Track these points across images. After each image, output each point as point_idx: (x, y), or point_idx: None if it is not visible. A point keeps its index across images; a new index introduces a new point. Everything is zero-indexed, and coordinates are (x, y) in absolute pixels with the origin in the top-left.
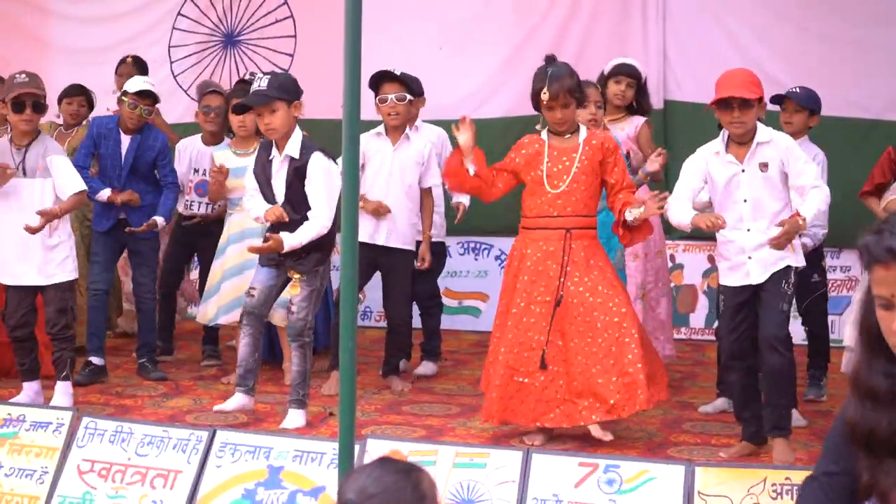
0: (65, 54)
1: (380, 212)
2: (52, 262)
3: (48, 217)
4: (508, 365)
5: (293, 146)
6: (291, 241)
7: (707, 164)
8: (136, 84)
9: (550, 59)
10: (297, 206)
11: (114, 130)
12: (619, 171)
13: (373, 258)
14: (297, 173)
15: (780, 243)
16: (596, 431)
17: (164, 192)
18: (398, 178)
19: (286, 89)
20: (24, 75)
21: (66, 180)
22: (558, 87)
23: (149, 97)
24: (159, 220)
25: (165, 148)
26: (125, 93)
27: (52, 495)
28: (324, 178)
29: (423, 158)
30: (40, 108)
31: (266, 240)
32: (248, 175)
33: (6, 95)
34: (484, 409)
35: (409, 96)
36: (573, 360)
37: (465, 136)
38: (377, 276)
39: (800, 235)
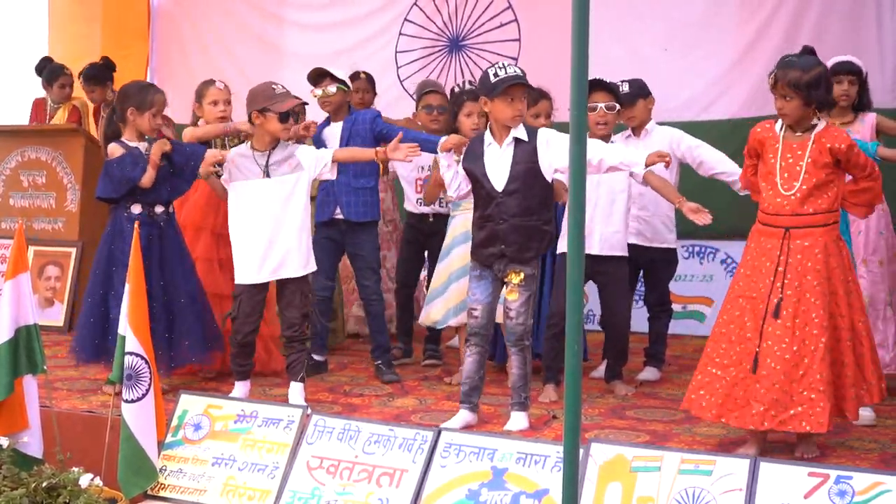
0: (298, 60)
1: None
2: (301, 256)
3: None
4: (706, 353)
5: (519, 130)
6: None
7: None
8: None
9: (805, 51)
10: (522, 186)
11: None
12: (860, 169)
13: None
14: (526, 153)
15: None
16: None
17: None
18: (605, 187)
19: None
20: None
21: (317, 154)
22: (781, 75)
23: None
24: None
25: (379, 116)
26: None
27: (283, 490)
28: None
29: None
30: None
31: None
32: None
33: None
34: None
35: (618, 106)
36: (762, 362)
37: None
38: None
39: None
